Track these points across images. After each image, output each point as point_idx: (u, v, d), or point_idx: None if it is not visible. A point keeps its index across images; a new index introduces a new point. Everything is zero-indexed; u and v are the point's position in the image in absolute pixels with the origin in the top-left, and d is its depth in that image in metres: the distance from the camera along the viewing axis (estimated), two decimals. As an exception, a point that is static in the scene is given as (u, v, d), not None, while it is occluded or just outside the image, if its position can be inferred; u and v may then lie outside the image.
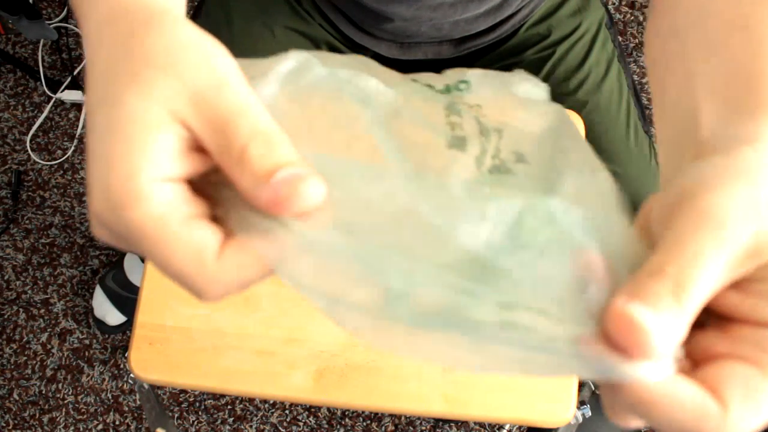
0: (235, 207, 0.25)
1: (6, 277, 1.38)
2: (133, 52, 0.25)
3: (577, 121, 0.75)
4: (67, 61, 1.50)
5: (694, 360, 0.24)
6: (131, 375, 0.68)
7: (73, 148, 1.45)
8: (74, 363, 1.34)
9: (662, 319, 0.21)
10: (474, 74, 0.33)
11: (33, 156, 1.44)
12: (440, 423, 1.31)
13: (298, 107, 0.29)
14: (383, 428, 1.31)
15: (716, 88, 0.30)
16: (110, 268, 1.34)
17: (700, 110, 0.30)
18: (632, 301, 0.22)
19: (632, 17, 1.59)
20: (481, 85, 0.33)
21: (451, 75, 0.33)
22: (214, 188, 0.26)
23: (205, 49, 0.25)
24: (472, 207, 0.25)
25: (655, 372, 0.22)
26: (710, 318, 0.25)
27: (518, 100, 0.32)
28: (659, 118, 0.34)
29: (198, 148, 0.25)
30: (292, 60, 0.31)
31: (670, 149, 0.32)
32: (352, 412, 1.31)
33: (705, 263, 0.22)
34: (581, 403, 1.25)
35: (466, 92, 0.32)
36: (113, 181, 0.23)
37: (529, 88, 0.33)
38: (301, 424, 1.31)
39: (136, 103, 0.24)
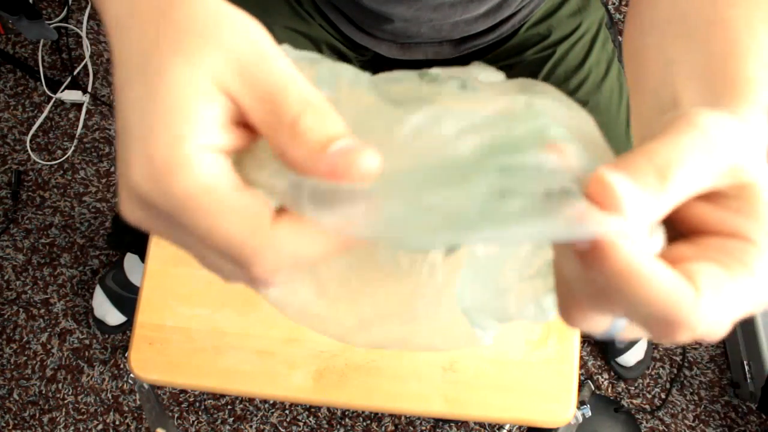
0: (275, 183, 0.24)
1: (6, 277, 1.38)
2: (174, 20, 0.24)
3: (577, 121, 0.75)
4: (67, 61, 1.50)
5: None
6: (131, 375, 0.68)
7: (73, 148, 1.45)
8: (74, 363, 1.34)
9: (640, 192, 0.22)
10: (434, 70, 0.32)
11: (33, 156, 1.44)
12: (440, 423, 1.31)
13: None
14: (383, 428, 1.31)
15: (696, 75, 0.30)
16: (110, 268, 1.34)
17: (681, 95, 0.30)
18: (615, 169, 0.22)
19: (632, 17, 1.59)
20: (445, 80, 0.32)
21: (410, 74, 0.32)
22: (255, 162, 0.25)
23: (245, 21, 0.24)
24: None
25: (630, 229, 0.22)
26: (678, 236, 0.26)
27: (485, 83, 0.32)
28: (636, 106, 0.34)
29: (240, 122, 0.24)
30: None
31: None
32: (352, 412, 1.31)
33: (693, 161, 0.23)
34: (581, 403, 1.25)
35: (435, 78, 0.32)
36: (157, 149, 0.22)
37: (490, 74, 0.33)
38: (301, 424, 1.31)
39: (181, 70, 0.23)
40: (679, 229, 0.26)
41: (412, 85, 0.31)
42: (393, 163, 0.23)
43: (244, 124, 0.24)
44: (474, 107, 0.26)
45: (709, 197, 0.25)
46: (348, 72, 0.30)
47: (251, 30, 0.24)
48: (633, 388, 1.38)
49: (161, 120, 0.22)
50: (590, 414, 1.23)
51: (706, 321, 0.22)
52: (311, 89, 0.24)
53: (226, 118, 0.24)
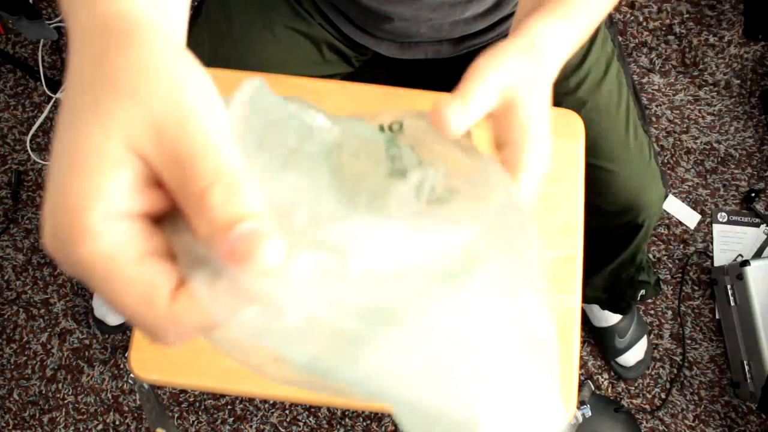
0: (188, 250, 0.23)
1: (6, 277, 1.38)
2: (102, 74, 0.24)
3: (577, 121, 0.75)
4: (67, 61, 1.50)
5: None
6: (131, 375, 0.68)
7: (73, 148, 1.45)
8: (74, 363, 1.34)
9: (456, 113, 0.34)
10: (408, 115, 0.36)
11: (33, 156, 1.44)
12: (440, 423, 1.31)
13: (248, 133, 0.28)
14: (383, 428, 1.31)
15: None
16: (110, 268, 1.34)
17: (528, 13, 0.42)
18: (441, 103, 0.34)
19: (632, 17, 1.59)
20: (413, 127, 0.36)
21: (386, 115, 0.36)
22: (173, 226, 0.24)
23: (176, 75, 0.24)
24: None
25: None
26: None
27: (450, 141, 0.36)
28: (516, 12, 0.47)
29: (160, 182, 0.23)
30: (247, 89, 0.30)
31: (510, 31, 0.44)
32: (352, 412, 1.31)
33: (486, 92, 0.35)
34: (581, 403, 1.25)
35: (398, 134, 0.35)
36: (64, 215, 0.22)
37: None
38: (301, 424, 1.31)
39: (95, 135, 0.23)
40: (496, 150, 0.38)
41: (371, 166, 0.33)
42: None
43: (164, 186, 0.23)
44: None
45: (493, 116, 0.37)
46: (316, 121, 0.32)
47: (182, 87, 0.23)
48: (633, 388, 1.38)
49: (72, 185, 0.22)
50: (590, 414, 1.23)
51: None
52: (232, 158, 0.22)
53: (140, 181, 0.23)
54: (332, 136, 0.32)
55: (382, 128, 0.35)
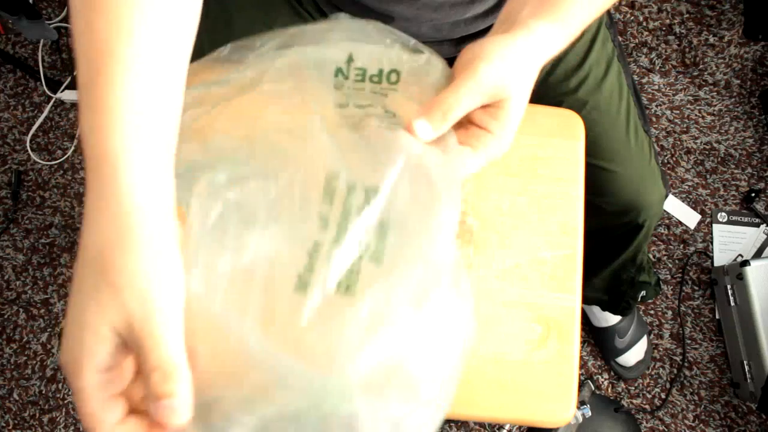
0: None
1: (6, 277, 1.38)
2: (100, 271, 0.35)
3: (577, 121, 0.75)
4: (67, 61, 1.50)
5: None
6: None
7: (73, 148, 1.45)
8: (74, 363, 1.34)
9: (431, 126, 0.44)
10: (412, 61, 0.48)
11: (33, 156, 1.44)
12: (440, 423, 1.31)
13: None
14: (383, 428, 1.31)
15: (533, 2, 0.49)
16: (110, 268, 1.34)
17: (522, 11, 0.49)
18: (419, 117, 0.44)
19: (632, 17, 1.59)
20: (411, 82, 0.48)
21: (394, 55, 0.48)
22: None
23: (150, 283, 0.35)
24: None
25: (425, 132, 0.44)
26: (469, 128, 0.47)
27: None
28: (505, 5, 0.53)
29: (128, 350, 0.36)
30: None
31: (496, 24, 0.53)
32: (352, 412, 1.31)
33: (464, 101, 0.44)
34: (581, 403, 1.25)
35: (395, 86, 0.48)
36: (70, 358, 0.35)
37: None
38: (301, 424, 1.31)
39: (93, 315, 0.35)
40: (468, 121, 0.47)
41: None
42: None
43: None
44: None
45: (483, 107, 0.46)
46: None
47: (152, 293, 0.35)
48: (633, 388, 1.38)
49: (77, 344, 0.35)
50: (590, 414, 1.23)
51: (464, 171, 0.45)
52: (172, 351, 0.35)
53: (117, 347, 0.35)
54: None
55: (380, 73, 0.48)
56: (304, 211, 0.39)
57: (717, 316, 1.42)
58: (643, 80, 1.55)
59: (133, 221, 0.35)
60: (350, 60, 0.47)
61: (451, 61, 0.84)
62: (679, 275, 1.44)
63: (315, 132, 0.42)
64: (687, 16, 1.59)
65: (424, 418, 0.37)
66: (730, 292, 1.36)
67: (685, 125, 1.53)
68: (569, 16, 0.49)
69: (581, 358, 1.38)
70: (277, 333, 0.36)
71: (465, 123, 0.47)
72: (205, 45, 0.79)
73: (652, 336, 1.40)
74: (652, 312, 1.42)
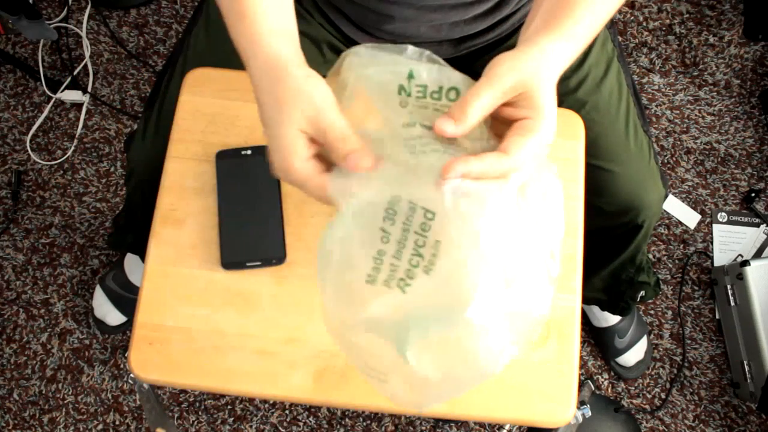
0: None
1: (6, 277, 1.38)
2: (278, 92, 0.50)
3: (577, 121, 0.75)
4: (67, 61, 1.50)
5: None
6: (131, 375, 0.68)
7: (73, 148, 1.45)
8: (74, 363, 1.34)
9: (454, 125, 0.47)
10: (463, 81, 0.50)
11: (33, 156, 1.44)
12: (440, 423, 1.31)
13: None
14: (383, 428, 1.31)
15: (543, 13, 0.54)
16: (110, 269, 1.34)
17: (530, 26, 0.55)
18: (444, 117, 0.47)
19: (632, 17, 1.59)
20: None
21: (450, 73, 0.50)
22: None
23: (310, 90, 0.49)
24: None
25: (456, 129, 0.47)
26: (510, 126, 0.49)
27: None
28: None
29: (316, 142, 0.50)
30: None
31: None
32: (352, 412, 1.31)
33: (485, 101, 0.47)
34: (581, 403, 1.25)
35: (453, 100, 0.50)
36: (281, 163, 0.50)
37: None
38: (301, 424, 1.31)
39: (286, 126, 0.49)
40: (504, 121, 0.49)
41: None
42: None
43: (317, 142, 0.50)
44: None
45: (510, 103, 0.49)
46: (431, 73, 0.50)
47: (315, 96, 0.49)
48: (633, 388, 1.38)
49: (281, 151, 0.49)
50: (590, 414, 1.23)
51: (517, 163, 0.47)
52: (344, 128, 0.48)
53: (307, 142, 0.49)
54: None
55: (440, 91, 0.50)
56: (367, 228, 0.47)
57: (717, 316, 1.42)
58: (643, 80, 1.55)
59: (285, 62, 0.51)
60: (411, 76, 0.49)
61: (451, 62, 0.84)
62: (679, 275, 1.44)
63: (385, 153, 0.48)
64: (687, 16, 1.59)
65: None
66: (730, 292, 1.36)
67: (685, 125, 1.53)
68: (574, 31, 0.53)
69: (581, 358, 1.38)
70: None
71: (503, 128, 0.49)
72: (205, 45, 0.79)
73: (652, 336, 1.40)
74: (652, 312, 1.42)
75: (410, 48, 0.51)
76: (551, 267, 0.50)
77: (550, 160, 0.69)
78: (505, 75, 0.47)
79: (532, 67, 0.48)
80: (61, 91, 1.47)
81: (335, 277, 0.47)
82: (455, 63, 0.84)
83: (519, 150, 0.47)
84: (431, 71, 0.50)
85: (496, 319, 0.46)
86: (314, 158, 0.50)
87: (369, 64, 0.50)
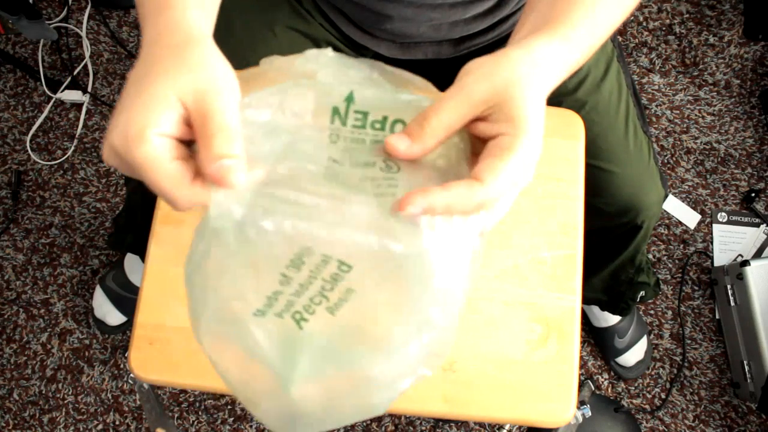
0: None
1: (6, 277, 1.38)
2: (176, 55, 0.39)
3: (577, 121, 0.75)
4: (67, 61, 1.50)
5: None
6: (131, 375, 0.68)
7: (73, 148, 1.45)
8: (74, 363, 1.34)
9: (407, 140, 0.39)
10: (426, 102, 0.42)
11: (33, 156, 1.44)
12: (440, 423, 1.31)
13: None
14: (383, 428, 1.31)
15: (537, 15, 0.47)
16: (110, 268, 1.34)
17: (522, 28, 0.48)
18: (399, 134, 0.40)
19: (632, 17, 1.59)
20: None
21: (402, 101, 0.42)
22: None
23: (215, 67, 0.39)
24: None
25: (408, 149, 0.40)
26: (484, 143, 0.40)
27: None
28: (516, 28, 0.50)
29: (190, 123, 0.38)
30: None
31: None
32: (352, 412, 1.31)
33: (443, 111, 0.39)
34: (581, 403, 1.25)
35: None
36: (131, 126, 0.36)
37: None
38: (301, 424, 1.31)
39: (162, 84, 0.37)
40: (482, 140, 0.41)
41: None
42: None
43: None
44: None
45: (484, 117, 0.40)
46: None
47: (216, 74, 0.38)
48: (633, 388, 1.38)
49: (140, 109, 0.36)
50: (590, 414, 1.23)
51: (493, 194, 0.38)
52: (233, 121, 0.37)
53: (180, 119, 0.38)
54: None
55: (384, 120, 0.41)
56: (264, 273, 0.39)
57: (717, 316, 1.42)
58: (643, 80, 1.55)
59: (200, 32, 0.41)
60: (350, 99, 0.41)
61: (451, 62, 0.84)
62: (679, 275, 1.44)
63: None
64: (687, 16, 1.59)
65: None
66: (730, 292, 1.36)
67: (685, 125, 1.53)
68: (571, 35, 0.45)
69: (581, 358, 1.38)
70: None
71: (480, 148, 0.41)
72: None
73: (652, 336, 1.40)
74: (652, 312, 1.42)
75: (360, 61, 0.42)
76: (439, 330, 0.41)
77: (550, 160, 0.69)
78: (475, 84, 0.39)
79: (511, 73, 0.40)
80: (61, 91, 1.47)
81: (217, 306, 0.40)
82: (455, 63, 0.84)
83: (494, 177, 0.38)
84: (376, 96, 0.41)
85: (398, 366, 0.40)
86: (177, 143, 0.38)
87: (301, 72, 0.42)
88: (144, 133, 0.35)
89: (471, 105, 0.39)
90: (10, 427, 1.31)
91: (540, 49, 0.42)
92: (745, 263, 1.31)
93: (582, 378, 1.36)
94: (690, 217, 1.47)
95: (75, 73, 1.49)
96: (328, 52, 0.43)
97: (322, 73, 0.42)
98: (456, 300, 0.40)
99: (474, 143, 0.41)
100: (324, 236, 0.37)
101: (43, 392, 1.32)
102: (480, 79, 0.40)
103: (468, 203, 0.38)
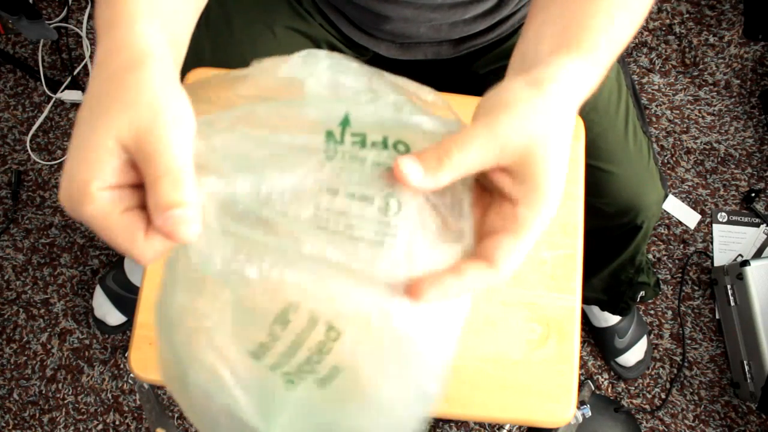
0: None
1: (6, 277, 1.38)
2: (111, 89, 0.34)
3: (577, 121, 0.75)
4: (67, 61, 1.50)
5: (485, 233, 0.36)
6: (131, 375, 0.68)
7: (73, 148, 1.45)
8: (74, 363, 1.34)
9: (421, 169, 0.34)
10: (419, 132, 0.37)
11: (33, 156, 1.44)
12: (440, 423, 1.31)
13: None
14: (383, 428, 1.31)
15: (554, 31, 0.42)
16: (110, 268, 1.34)
17: (541, 47, 0.42)
18: (408, 156, 0.34)
19: (632, 17, 1.59)
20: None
21: (406, 119, 0.36)
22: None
23: (158, 95, 0.33)
24: None
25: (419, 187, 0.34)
26: (495, 198, 0.36)
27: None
28: (519, 42, 0.45)
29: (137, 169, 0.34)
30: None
31: (512, 66, 0.44)
32: (352, 412, 1.31)
33: (469, 149, 0.34)
34: (581, 403, 1.25)
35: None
36: (75, 185, 0.32)
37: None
38: (301, 424, 1.31)
39: (101, 130, 0.33)
40: (492, 189, 0.36)
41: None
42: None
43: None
44: None
45: (505, 169, 0.35)
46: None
47: (161, 105, 0.33)
48: (633, 388, 1.38)
49: (81, 166, 0.33)
50: (590, 414, 1.23)
51: (502, 278, 0.34)
52: (182, 160, 0.32)
53: (125, 165, 0.33)
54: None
55: (385, 142, 0.36)
56: (251, 323, 0.35)
57: (717, 316, 1.42)
58: (643, 80, 1.55)
59: (146, 50, 0.35)
60: (346, 123, 0.35)
61: (451, 62, 0.84)
62: (679, 275, 1.44)
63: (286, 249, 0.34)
64: (687, 16, 1.59)
65: None
66: (730, 292, 1.36)
67: (685, 125, 1.53)
68: (596, 48, 0.41)
69: (581, 358, 1.38)
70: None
71: (488, 198, 0.37)
72: (205, 45, 0.79)
73: (652, 336, 1.40)
74: (652, 312, 1.42)
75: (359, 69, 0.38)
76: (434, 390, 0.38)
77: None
78: (510, 129, 0.34)
79: (548, 124, 0.35)
80: (61, 91, 1.47)
81: (195, 359, 0.36)
82: (455, 63, 0.84)
83: (508, 259, 0.34)
84: (377, 114, 0.35)
85: (387, 425, 0.37)
86: (127, 190, 0.33)
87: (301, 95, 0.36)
88: (86, 190, 0.32)
89: (502, 152, 0.34)
90: (10, 427, 1.31)
91: (569, 71, 0.38)
92: (745, 263, 1.31)
93: (582, 378, 1.36)
94: (690, 217, 1.47)
95: (75, 73, 1.49)
96: (320, 54, 0.38)
97: (311, 82, 0.37)
98: (448, 365, 0.37)
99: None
100: (312, 291, 0.33)
101: (43, 392, 1.32)
102: (516, 123, 0.34)
103: (479, 287, 0.34)
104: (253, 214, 0.34)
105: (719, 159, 1.51)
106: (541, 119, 0.35)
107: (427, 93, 0.38)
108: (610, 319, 1.33)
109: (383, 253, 0.33)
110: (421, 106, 0.38)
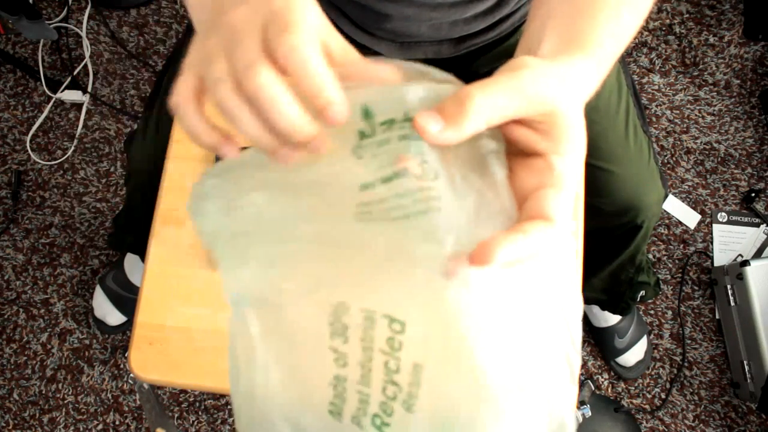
0: None
1: (6, 277, 1.38)
2: None
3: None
4: (67, 61, 1.50)
5: (523, 196, 0.34)
6: (131, 375, 0.68)
7: (73, 148, 1.45)
8: (74, 363, 1.34)
9: (441, 120, 0.31)
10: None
11: (33, 156, 1.44)
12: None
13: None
14: (383, 428, 1.31)
15: (559, 27, 0.41)
16: (110, 268, 1.34)
17: (544, 41, 0.41)
18: (430, 112, 0.31)
19: (632, 17, 1.59)
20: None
21: (418, 92, 0.33)
22: None
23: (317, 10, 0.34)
24: None
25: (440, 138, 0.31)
26: (519, 159, 0.35)
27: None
28: (522, 38, 0.44)
29: None
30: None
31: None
32: (352, 412, 1.31)
33: (491, 91, 0.31)
34: (581, 403, 1.25)
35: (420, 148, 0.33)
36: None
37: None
38: (301, 424, 1.31)
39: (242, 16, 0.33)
40: (516, 146, 0.35)
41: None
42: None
43: None
44: None
45: (527, 123, 0.34)
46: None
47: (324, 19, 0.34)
48: (633, 388, 1.38)
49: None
50: (590, 414, 1.23)
51: (562, 232, 0.32)
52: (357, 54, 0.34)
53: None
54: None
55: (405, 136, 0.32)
56: (309, 349, 0.32)
57: (717, 316, 1.42)
58: (643, 80, 1.55)
59: None
60: (368, 115, 0.32)
61: (451, 61, 0.84)
62: (679, 275, 1.44)
63: (324, 248, 0.32)
64: (687, 16, 1.59)
65: None
66: (730, 292, 1.36)
67: (685, 125, 1.53)
68: (599, 49, 0.40)
69: (581, 358, 1.38)
70: None
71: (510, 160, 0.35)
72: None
73: (652, 336, 1.40)
74: (652, 312, 1.42)
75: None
76: (573, 359, 0.33)
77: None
78: (532, 78, 0.33)
79: (562, 84, 0.34)
80: (61, 91, 1.47)
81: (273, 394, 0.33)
82: (455, 62, 0.84)
83: (560, 212, 0.32)
84: (391, 95, 0.32)
85: None
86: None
87: None
88: (298, 20, 0.32)
89: (529, 103, 0.32)
90: (10, 427, 1.31)
91: (579, 64, 0.38)
92: (745, 263, 1.31)
93: (582, 378, 1.36)
94: (690, 217, 1.47)
95: (75, 73, 1.49)
96: None
97: None
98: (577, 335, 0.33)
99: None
100: (356, 279, 0.30)
101: (43, 392, 1.32)
102: (540, 79, 0.33)
103: (545, 246, 0.32)
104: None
105: (719, 159, 1.51)
106: (559, 82, 0.34)
107: (436, 72, 0.36)
108: (610, 319, 1.33)
109: (428, 220, 0.30)
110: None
